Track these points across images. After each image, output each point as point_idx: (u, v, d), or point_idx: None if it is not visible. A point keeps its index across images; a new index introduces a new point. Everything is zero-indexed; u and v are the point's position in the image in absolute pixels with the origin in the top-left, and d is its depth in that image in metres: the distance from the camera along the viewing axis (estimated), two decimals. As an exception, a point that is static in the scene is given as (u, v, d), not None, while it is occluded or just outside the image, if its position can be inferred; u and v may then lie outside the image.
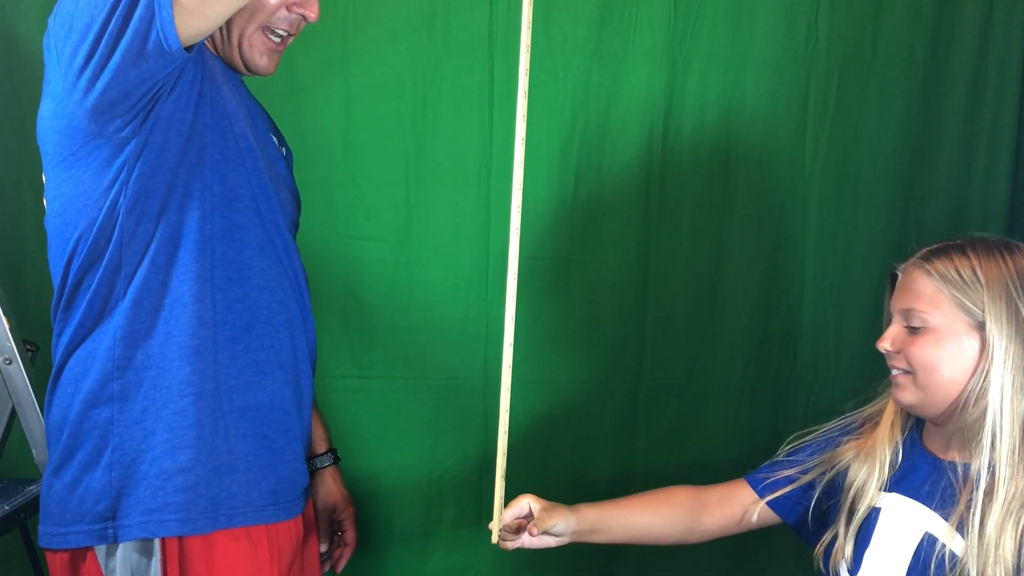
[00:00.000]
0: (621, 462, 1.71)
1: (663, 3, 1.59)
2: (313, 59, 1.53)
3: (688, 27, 1.60)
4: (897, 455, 1.16)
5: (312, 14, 1.10)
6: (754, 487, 1.27)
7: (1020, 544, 1.01)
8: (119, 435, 1.04)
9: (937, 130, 1.66)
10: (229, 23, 1.07)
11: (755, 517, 1.27)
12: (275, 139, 1.21)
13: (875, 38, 1.63)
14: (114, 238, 1.02)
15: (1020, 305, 1.04)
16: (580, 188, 1.63)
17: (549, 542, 1.21)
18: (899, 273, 1.14)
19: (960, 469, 1.08)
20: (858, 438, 1.21)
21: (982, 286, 1.05)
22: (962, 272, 1.06)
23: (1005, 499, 1.02)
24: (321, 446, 1.34)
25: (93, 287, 1.04)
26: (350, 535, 1.33)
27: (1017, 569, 1.00)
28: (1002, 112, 1.65)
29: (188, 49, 0.96)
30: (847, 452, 1.20)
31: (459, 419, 1.66)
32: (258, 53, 1.10)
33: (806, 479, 1.23)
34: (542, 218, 1.64)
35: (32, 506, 1.28)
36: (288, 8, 1.08)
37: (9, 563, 1.54)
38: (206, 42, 1.07)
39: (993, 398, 1.04)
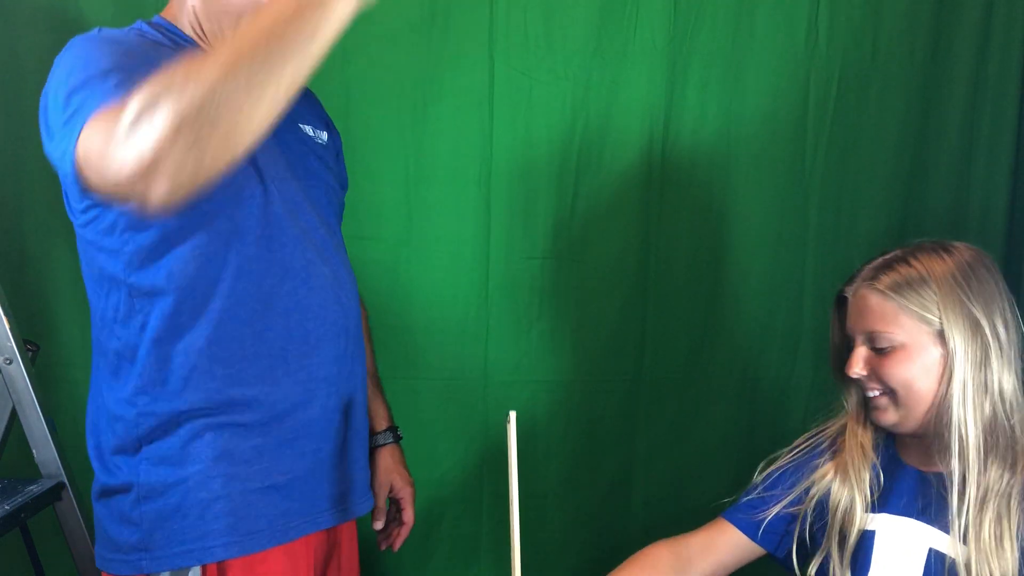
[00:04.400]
0: (621, 462, 1.71)
1: (663, 3, 1.58)
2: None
3: (688, 27, 1.60)
4: (877, 475, 1.14)
5: None
6: (742, 528, 1.22)
7: (1017, 538, 1.01)
8: (147, 471, 1.05)
9: (937, 130, 1.66)
10: (217, 24, 1.02)
11: (745, 557, 1.23)
12: (308, 127, 1.16)
13: (875, 38, 1.63)
14: (126, 294, 1.02)
15: (968, 302, 1.04)
16: (580, 188, 1.63)
17: None
18: (848, 296, 1.12)
19: (946, 479, 1.07)
20: (832, 458, 1.19)
21: (934, 292, 1.05)
22: (912, 283, 1.06)
23: (985, 498, 1.02)
24: (381, 424, 1.33)
25: (120, 339, 1.04)
26: (408, 514, 1.32)
27: (1021, 563, 1.00)
28: (1002, 112, 1.65)
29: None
30: (825, 474, 1.18)
31: (459, 419, 1.66)
32: None
33: (790, 511, 1.20)
34: (542, 218, 1.64)
35: (32, 506, 1.28)
36: None
37: (9, 563, 1.54)
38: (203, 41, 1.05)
39: (956, 396, 1.04)
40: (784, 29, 1.61)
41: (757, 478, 1.25)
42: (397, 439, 1.35)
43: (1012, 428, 1.05)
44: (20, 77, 1.49)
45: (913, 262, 1.08)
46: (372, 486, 1.29)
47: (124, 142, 0.76)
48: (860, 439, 1.16)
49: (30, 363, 1.32)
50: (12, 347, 1.28)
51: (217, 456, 1.04)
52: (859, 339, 1.10)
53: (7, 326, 1.28)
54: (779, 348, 1.71)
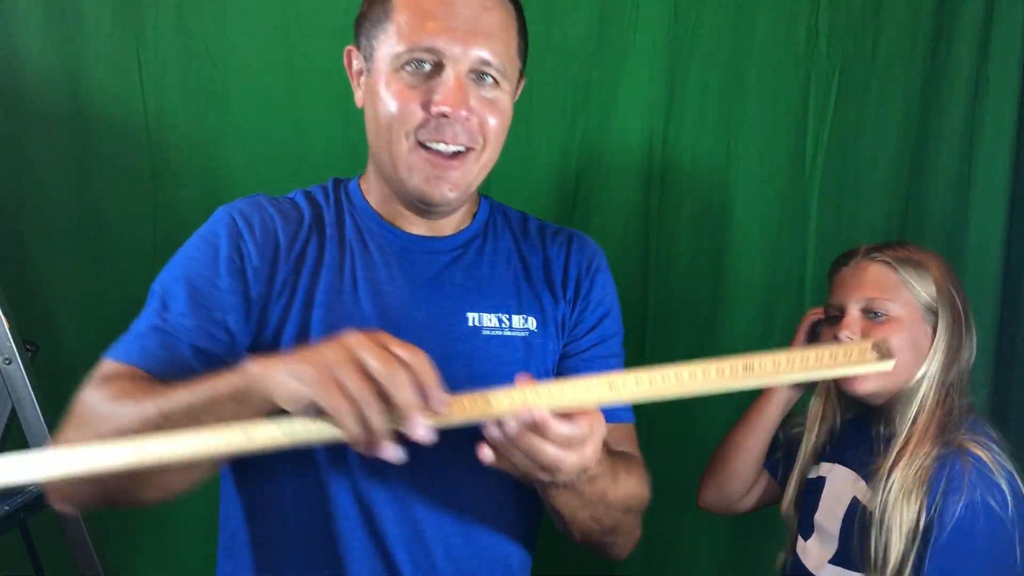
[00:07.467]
0: (621, 462, 1.71)
1: (663, 3, 1.59)
2: (313, 59, 1.53)
3: (688, 27, 1.60)
4: (835, 427, 1.25)
5: (448, 107, 0.80)
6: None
7: (920, 507, 1.08)
8: None
9: (937, 130, 1.66)
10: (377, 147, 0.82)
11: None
12: (488, 315, 0.97)
13: (875, 38, 1.63)
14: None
15: (955, 294, 1.15)
16: (580, 188, 1.63)
17: None
18: (846, 269, 1.19)
19: (873, 433, 1.17)
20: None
21: (931, 277, 1.14)
22: (913, 263, 1.15)
23: (912, 461, 1.10)
24: None
25: None
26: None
27: (916, 524, 1.07)
28: (1002, 112, 1.65)
29: None
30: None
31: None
32: (417, 174, 0.86)
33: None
34: (542, 218, 1.63)
35: (32, 506, 1.28)
36: (425, 108, 0.80)
37: (9, 563, 1.54)
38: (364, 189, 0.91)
39: (928, 373, 1.13)
40: (784, 29, 1.61)
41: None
42: None
43: (956, 411, 1.13)
44: (20, 77, 1.49)
45: (912, 249, 1.17)
46: None
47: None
48: (824, 404, 1.27)
49: (30, 363, 1.32)
50: (12, 347, 1.28)
51: None
52: (853, 307, 1.16)
53: (7, 326, 1.28)
54: (779, 348, 1.71)
